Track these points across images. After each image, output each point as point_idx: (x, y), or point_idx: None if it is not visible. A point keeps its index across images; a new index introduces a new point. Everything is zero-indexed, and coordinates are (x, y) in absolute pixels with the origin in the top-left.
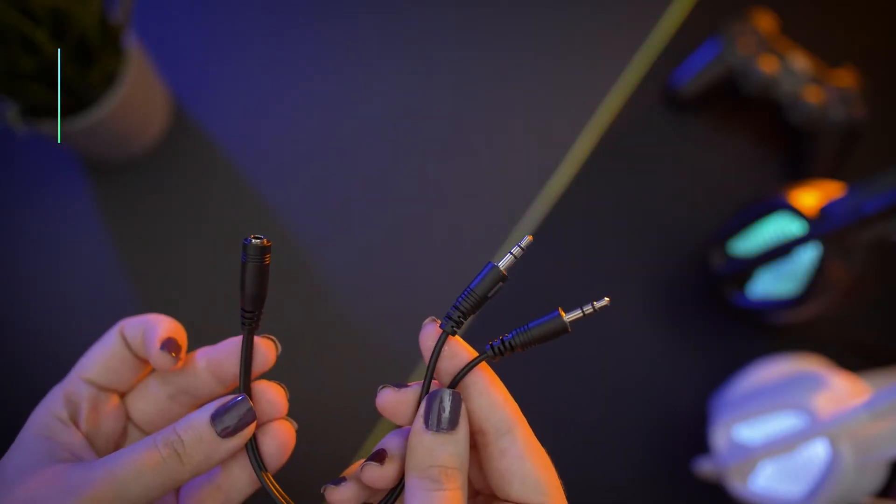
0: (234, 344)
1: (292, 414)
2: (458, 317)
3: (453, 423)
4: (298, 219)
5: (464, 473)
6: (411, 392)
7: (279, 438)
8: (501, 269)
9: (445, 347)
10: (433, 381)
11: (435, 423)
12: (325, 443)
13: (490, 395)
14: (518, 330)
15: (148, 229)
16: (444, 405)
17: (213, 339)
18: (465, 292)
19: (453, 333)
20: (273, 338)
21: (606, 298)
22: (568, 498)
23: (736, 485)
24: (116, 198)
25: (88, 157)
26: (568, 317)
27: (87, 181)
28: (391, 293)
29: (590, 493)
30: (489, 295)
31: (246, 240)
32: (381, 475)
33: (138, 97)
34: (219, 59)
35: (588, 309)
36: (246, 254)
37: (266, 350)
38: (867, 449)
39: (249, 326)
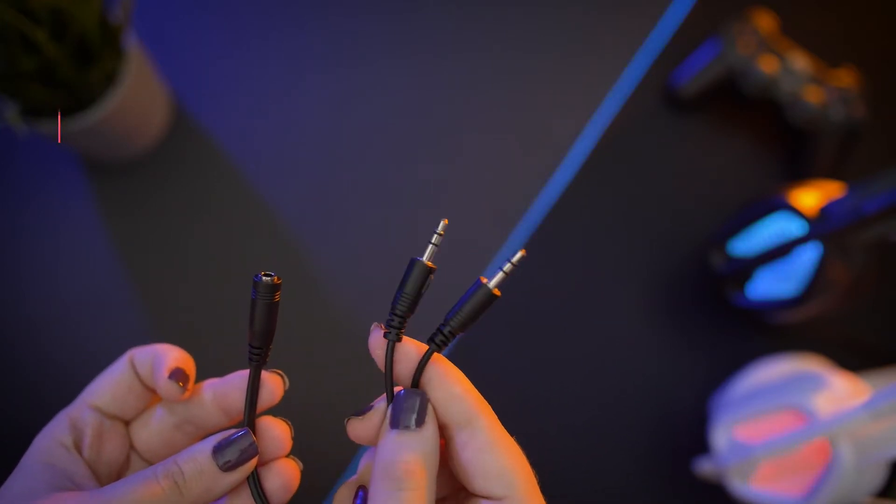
0: (240, 377)
1: (288, 415)
2: (398, 322)
3: (419, 422)
4: (297, 218)
5: (430, 472)
6: (375, 413)
7: (283, 476)
8: (425, 261)
9: (395, 351)
10: (397, 387)
11: (402, 423)
12: (320, 442)
13: (446, 388)
14: (451, 313)
15: (148, 229)
16: (408, 405)
17: (212, 339)
18: (398, 295)
19: (398, 340)
20: (280, 372)
21: (521, 251)
22: (567, 498)
23: (736, 485)
24: (116, 198)
25: (88, 157)
26: (492, 283)
27: (87, 181)
28: (390, 293)
29: (590, 493)
30: (422, 291)
31: (256, 276)
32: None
33: (138, 97)
34: (219, 59)
35: (507, 267)
36: (256, 291)
37: (273, 385)
38: (867, 449)
39: (257, 362)
